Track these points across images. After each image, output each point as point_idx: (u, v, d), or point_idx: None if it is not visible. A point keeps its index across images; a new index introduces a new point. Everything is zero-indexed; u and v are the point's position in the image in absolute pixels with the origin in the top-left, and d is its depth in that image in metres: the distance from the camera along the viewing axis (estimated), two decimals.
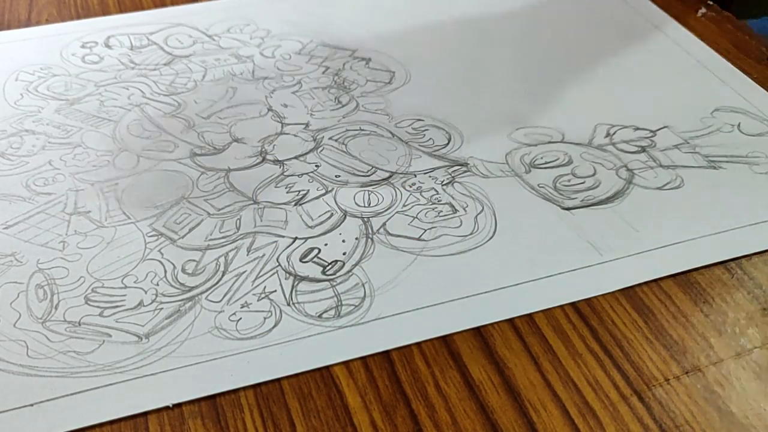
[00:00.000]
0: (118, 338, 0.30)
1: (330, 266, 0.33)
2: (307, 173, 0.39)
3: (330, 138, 0.41)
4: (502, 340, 0.30)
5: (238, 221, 0.36)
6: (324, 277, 0.33)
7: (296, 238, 0.35)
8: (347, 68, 0.47)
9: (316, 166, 0.39)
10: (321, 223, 0.36)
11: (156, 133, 0.42)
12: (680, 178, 0.38)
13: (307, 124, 0.42)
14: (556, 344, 0.30)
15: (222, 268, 0.33)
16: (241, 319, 0.31)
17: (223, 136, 0.41)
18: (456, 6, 0.53)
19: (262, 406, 0.28)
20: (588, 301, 0.32)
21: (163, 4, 0.54)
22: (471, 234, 0.35)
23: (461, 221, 0.36)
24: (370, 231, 0.35)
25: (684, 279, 0.33)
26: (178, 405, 0.28)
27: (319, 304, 0.32)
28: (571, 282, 0.33)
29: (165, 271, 0.33)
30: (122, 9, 0.53)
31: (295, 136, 0.41)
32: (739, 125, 0.41)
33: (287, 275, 0.33)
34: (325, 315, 0.31)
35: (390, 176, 0.38)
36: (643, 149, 0.40)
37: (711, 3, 0.52)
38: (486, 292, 0.32)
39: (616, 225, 0.35)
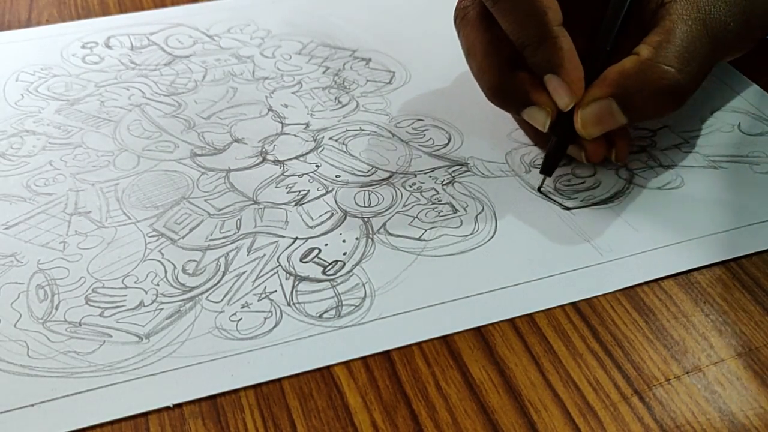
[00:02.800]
0: (118, 338, 0.30)
1: (330, 266, 0.33)
2: (307, 173, 0.39)
3: (330, 138, 0.41)
4: (503, 340, 0.30)
5: (238, 221, 0.36)
6: (324, 277, 0.33)
7: (296, 238, 0.35)
8: (347, 68, 0.47)
9: (317, 166, 0.39)
10: (321, 223, 0.36)
11: (156, 134, 0.42)
12: (680, 177, 0.38)
13: (307, 124, 0.42)
14: (556, 344, 0.30)
15: (222, 269, 0.33)
16: (241, 319, 0.31)
17: (223, 136, 0.41)
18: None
19: (262, 406, 0.28)
20: (588, 300, 0.32)
21: (163, 5, 0.54)
22: (471, 234, 0.35)
23: (461, 221, 0.36)
24: (371, 231, 0.35)
25: (684, 279, 0.33)
26: (179, 405, 0.28)
27: (319, 304, 0.32)
28: (571, 282, 0.33)
29: (165, 272, 0.33)
30: (122, 9, 0.53)
31: (295, 136, 0.41)
32: (739, 125, 0.41)
33: (288, 275, 0.33)
34: (325, 315, 0.31)
35: (390, 176, 0.38)
36: (643, 149, 0.40)
37: None
38: (486, 292, 0.32)
39: (617, 225, 0.35)
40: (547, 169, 0.37)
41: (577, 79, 0.34)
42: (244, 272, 0.33)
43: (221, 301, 0.32)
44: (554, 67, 0.34)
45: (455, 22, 0.39)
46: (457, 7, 0.39)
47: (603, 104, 0.34)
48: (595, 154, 0.37)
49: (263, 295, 0.32)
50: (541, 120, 0.35)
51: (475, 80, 0.38)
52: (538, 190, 0.37)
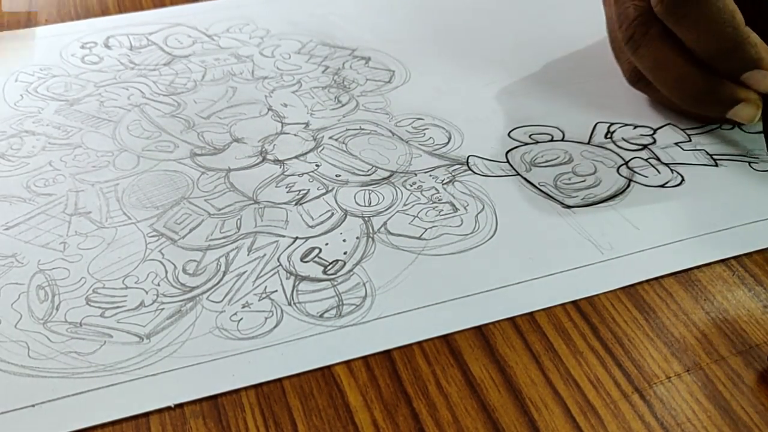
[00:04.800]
0: (119, 339, 0.30)
1: (331, 266, 0.33)
2: (307, 173, 0.39)
3: (330, 137, 0.41)
4: (503, 339, 0.30)
5: (238, 221, 0.36)
6: (325, 276, 0.33)
7: (297, 238, 0.35)
8: (347, 67, 0.47)
9: (317, 165, 0.39)
10: (321, 222, 0.36)
11: (156, 134, 0.42)
12: (681, 175, 0.38)
13: (307, 124, 0.42)
14: (557, 342, 0.30)
15: (223, 268, 0.33)
16: (242, 319, 0.31)
17: (223, 136, 0.41)
18: (455, 4, 0.53)
19: (263, 405, 0.28)
20: (589, 299, 0.32)
21: (162, 5, 0.54)
22: (472, 233, 0.35)
23: (462, 220, 0.36)
24: (371, 230, 0.35)
25: (685, 277, 0.33)
26: (180, 405, 0.28)
27: (320, 304, 0.32)
28: (572, 280, 0.33)
29: (166, 272, 0.33)
30: (121, 9, 0.53)
31: (295, 135, 0.41)
32: (739, 122, 0.41)
33: (288, 275, 0.33)
34: (326, 315, 0.31)
35: (390, 175, 0.38)
36: (643, 147, 0.40)
37: None
38: (487, 290, 0.32)
39: (617, 223, 0.35)
40: None
41: None
42: (245, 272, 0.33)
43: (222, 301, 0.32)
44: (754, 63, 0.37)
45: (628, 41, 0.40)
46: (628, 26, 0.39)
47: None
48: None
49: (264, 295, 0.32)
50: (751, 114, 0.38)
51: (662, 91, 0.40)
52: None
